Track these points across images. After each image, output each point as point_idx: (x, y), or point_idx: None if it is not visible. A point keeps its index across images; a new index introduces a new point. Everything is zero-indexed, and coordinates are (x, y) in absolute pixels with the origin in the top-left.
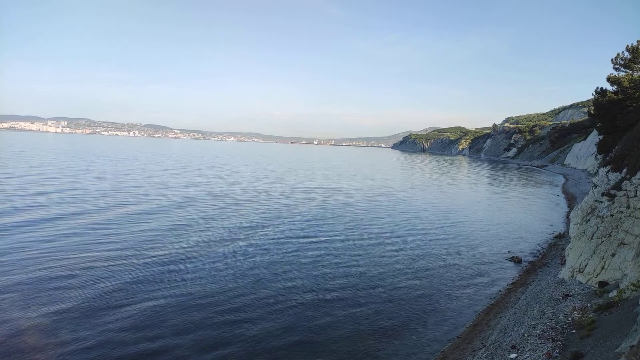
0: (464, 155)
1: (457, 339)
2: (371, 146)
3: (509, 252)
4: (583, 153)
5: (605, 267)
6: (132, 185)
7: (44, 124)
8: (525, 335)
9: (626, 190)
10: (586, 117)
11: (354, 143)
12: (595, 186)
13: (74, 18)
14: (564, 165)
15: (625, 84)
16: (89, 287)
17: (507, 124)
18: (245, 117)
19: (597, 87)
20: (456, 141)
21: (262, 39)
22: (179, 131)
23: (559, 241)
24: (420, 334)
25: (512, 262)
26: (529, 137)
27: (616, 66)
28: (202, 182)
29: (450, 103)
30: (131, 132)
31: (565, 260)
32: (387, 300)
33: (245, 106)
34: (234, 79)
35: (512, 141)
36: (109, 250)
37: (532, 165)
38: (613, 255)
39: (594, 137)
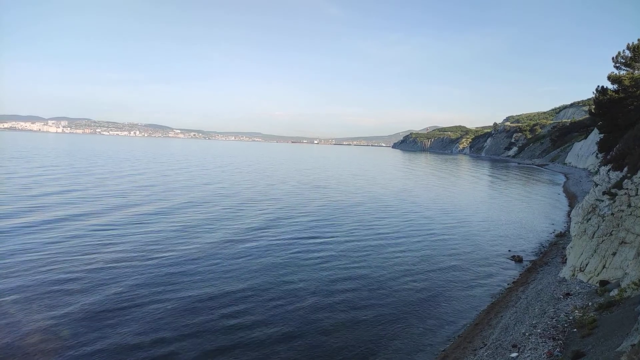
0: (464, 154)
1: (458, 338)
2: (372, 145)
3: (509, 251)
4: (584, 152)
5: (607, 266)
6: (134, 186)
7: (44, 124)
8: (527, 334)
9: (627, 189)
10: (587, 116)
11: (355, 142)
12: (596, 185)
13: (75, 18)
14: (564, 164)
15: (626, 82)
16: (91, 288)
17: (507, 123)
18: (245, 116)
19: (598, 86)
20: (457, 140)
21: (262, 39)
22: (179, 131)
23: (560, 240)
24: (421, 332)
25: (513, 261)
26: (529, 136)
27: (617, 65)
28: (204, 183)
29: (450, 102)
30: (132, 132)
31: (566, 259)
32: (388, 299)
33: (245, 106)
34: (234, 79)
35: (512, 140)
36: (111, 252)
37: (532, 164)
38: (614, 254)
39: (595, 135)
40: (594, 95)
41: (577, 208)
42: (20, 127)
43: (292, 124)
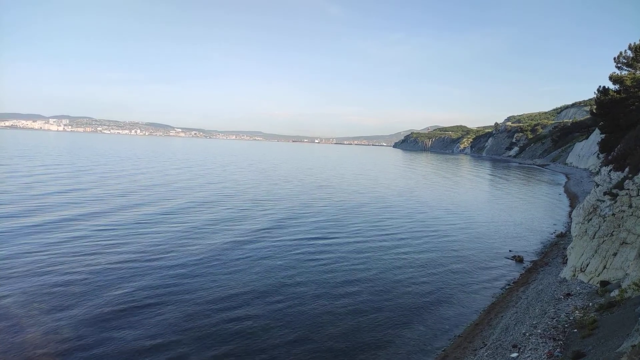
0: (465, 154)
1: (458, 338)
2: (373, 145)
3: (510, 251)
4: (585, 152)
5: (607, 266)
6: (137, 186)
7: (46, 122)
8: (527, 334)
9: (628, 189)
10: (588, 116)
11: (356, 142)
12: (597, 185)
13: (77, 18)
14: (565, 164)
15: (628, 82)
16: (93, 289)
17: (509, 123)
18: (246, 116)
19: (600, 86)
20: (458, 140)
21: (263, 39)
22: (180, 130)
23: (561, 240)
24: (421, 332)
25: (514, 261)
26: (530, 136)
27: (619, 65)
28: (206, 182)
29: (451, 102)
30: (133, 131)
31: (567, 260)
32: (389, 299)
33: (246, 105)
34: (235, 79)
35: (513, 140)
36: (114, 253)
37: (533, 164)
38: (615, 254)
39: (596, 136)
40: (595, 96)
41: (578, 208)
42: (21, 126)
43: (292, 123)
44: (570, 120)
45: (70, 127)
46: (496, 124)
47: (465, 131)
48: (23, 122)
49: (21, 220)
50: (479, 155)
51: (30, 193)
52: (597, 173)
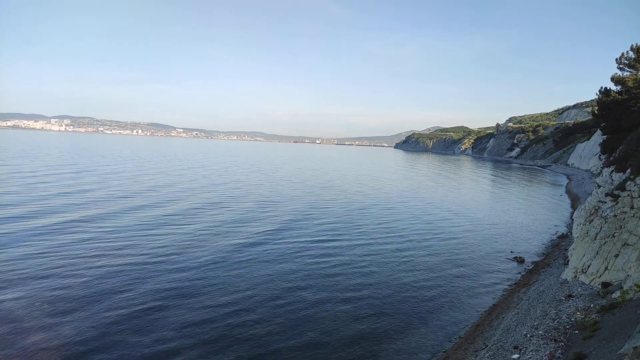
0: (466, 155)
1: (459, 339)
2: (374, 145)
3: (511, 252)
4: (587, 153)
5: (609, 267)
6: (139, 187)
7: (47, 122)
8: (528, 335)
9: (630, 190)
10: (590, 117)
11: (357, 142)
12: (599, 186)
13: (79, 18)
14: (567, 165)
15: (630, 83)
16: (97, 291)
17: (510, 124)
18: (247, 116)
19: (601, 87)
20: (459, 141)
21: (264, 40)
22: (181, 130)
23: (562, 242)
24: (422, 333)
25: (515, 263)
26: (532, 137)
27: (620, 66)
28: (209, 184)
29: (453, 103)
30: (134, 131)
31: (568, 261)
32: (390, 299)
33: (248, 106)
34: (236, 79)
35: (515, 141)
36: (118, 254)
37: (535, 165)
38: (616, 256)
39: (598, 137)
40: (597, 97)
41: (580, 209)
42: (23, 125)
43: (293, 123)
44: (572, 121)
45: (71, 127)
46: (497, 124)
47: (467, 132)
48: (25, 122)
49: (24, 221)
50: (480, 156)
51: (34, 194)
52: (599, 174)
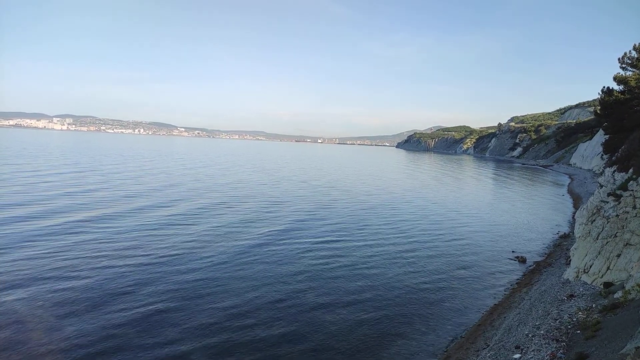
0: (468, 154)
1: (460, 339)
2: (376, 145)
3: (513, 252)
4: (589, 153)
5: (611, 267)
6: (144, 187)
7: (49, 121)
8: (530, 335)
9: (632, 190)
10: (592, 117)
11: (359, 142)
12: (601, 186)
13: (81, 18)
14: (569, 165)
15: (632, 83)
16: (100, 292)
17: (512, 124)
18: (249, 115)
19: (604, 87)
20: (461, 140)
21: (265, 39)
22: (183, 129)
23: (564, 241)
24: (423, 333)
25: (517, 262)
26: (534, 137)
27: (623, 65)
28: (213, 184)
29: (454, 103)
30: (136, 130)
31: (570, 261)
32: (391, 299)
33: (249, 105)
34: (238, 79)
35: (517, 140)
36: (121, 256)
37: (537, 164)
38: (619, 255)
39: (600, 136)
40: (599, 96)
41: (582, 209)
42: (25, 124)
43: (295, 123)
44: (574, 121)
45: (73, 126)
46: (499, 124)
47: (469, 131)
48: (27, 121)
49: (27, 221)
50: (482, 156)
51: (37, 194)
52: (601, 174)
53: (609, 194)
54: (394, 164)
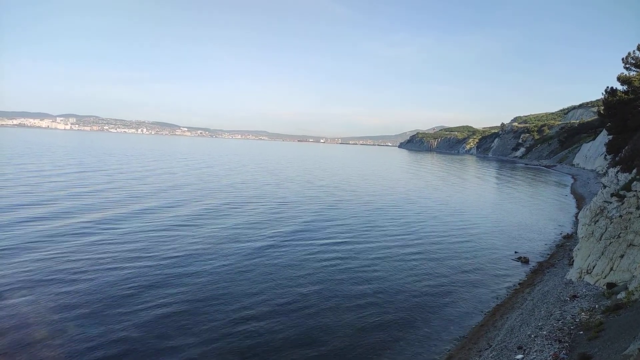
0: (471, 154)
1: (463, 339)
2: (378, 145)
3: (516, 252)
4: (592, 153)
5: (614, 268)
6: (147, 187)
7: (53, 121)
8: (532, 336)
9: (636, 191)
10: (595, 117)
11: (361, 142)
12: (605, 187)
13: (84, 18)
14: (572, 165)
15: (636, 83)
16: (103, 289)
17: (515, 124)
18: (251, 115)
19: (607, 87)
20: (464, 140)
21: (266, 40)
22: (186, 129)
23: (567, 242)
24: (426, 333)
25: (520, 263)
26: (537, 137)
27: (627, 65)
28: (217, 184)
29: (457, 103)
30: (139, 130)
31: (573, 261)
32: (394, 300)
33: (252, 105)
34: (240, 79)
35: (520, 141)
36: (124, 257)
37: (540, 165)
38: (622, 256)
39: (604, 137)
40: (603, 96)
41: (585, 210)
42: (29, 124)
43: (297, 122)
44: (578, 121)
45: (77, 125)
46: (502, 124)
47: (472, 131)
48: (31, 120)
49: (32, 222)
50: (485, 156)
51: (41, 194)
52: (605, 174)
53: (612, 195)
54: (397, 164)
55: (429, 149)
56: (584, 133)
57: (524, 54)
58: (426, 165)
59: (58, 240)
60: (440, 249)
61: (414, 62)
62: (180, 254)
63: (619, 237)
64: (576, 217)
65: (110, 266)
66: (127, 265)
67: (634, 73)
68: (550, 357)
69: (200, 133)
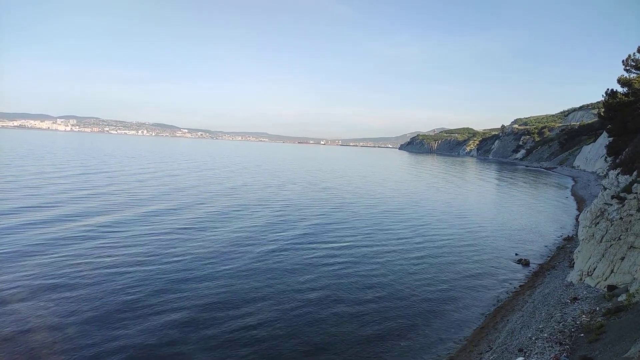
0: (472, 156)
1: (464, 342)
2: (379, 147)
3: (517, 254)
4: (592, 155)
5: (615, 270)
6: (149, 190)
7: (53, 122)
8: (533, 338)
9: (636, 193)
10: (596, 119)
11: (361, 143)
12: (605, 189)
13: (85, 18)
14: (573, 167)
15: (636, 85)
16: (102, 291)
17: (515, 126)
18: (252, 116)
19: (608, 89)
20: (464, 142)
21: (267, 40)
22: (186, 130)
23: (568, 244)
24: (427, 336)
25: (520, 265)
26: (537, 139)
27: (627, 67)
28: (215, 185)
29: (458, 104)
30: (139, 131)
31: (573, 264)
32: (394, 302)
33: (252, 107)
34: (240, 79)
35: (520, 143)
36: (124, 255)
37: (540, 167)
38: (622, 258)
39: (604, 139)
40: (603, 98)
41: (586, 212)
42: (29, 125)
43: (298, 124)
44: (578, 123)
45: (77, 127)
46: (503, 126)
47: (472, 133)
48: (31, 122)
49: (37, 225)
50: (486, 158)
51: (43, 196)
52: (605, 176)
53: (612, 197)
54: (398, 166)
55: (430, 151)
56: (584, 135)
57: (525, 55)
58: (427, 168)
59: (61, 244)
60: (440, 251)
61: (415, 63)
62: (184, 259)
63: (619, 239)
64: (577, 219)
65: (112, 271)
66: (129, 269)
67: (634, 75)
68: None
69: (201, 135)
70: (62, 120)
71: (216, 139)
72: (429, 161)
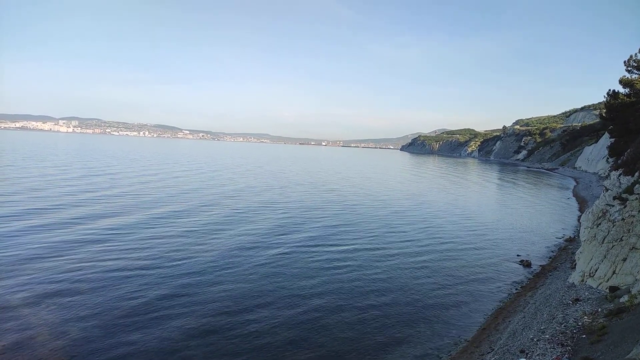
0: (473, 157)
1: (465, 343)
2: (380, 148)
3: (518, 255)
4: (594, 156)
5: (617, 271)
6: (154, 191)
7: (55, 124)
8: (535, 339)
9: (638, 194)
10: (597, 120)
11: (363, 144)
12: (607, 190)
13: (86, 19)
14: (574, 168)
15: (638, 86)
16: (104, 293)
17: (517, 126)
18: (253, 117)
19: (609, 89)
20: (465, 143)
21: (269, 41)
22: (188, 132)
23: (570, 245)
24: (428, 337)
25: (522, 266)
26: (539, 140)
27: (629, 68)
28: (218, 187)
29: (459, 105)
30: (141, 132)
31: (575, 265)
32: (395, 303)
33: (253, 108)
34: (242, 81)
35: (522, 144)
36: (126, 258)
37: (542, 168)
38: (624, 259)
39: (606, 140)
40: (605, 99)
41: (587, 213)
42: (31, 127)
43: (299, 125)
44: (580, 124)
45: (79, 128)
46: (504, 127)
47: (473, 134)
48: (33, 123)
49: (38, 228)
50: (487, 159)
51: (45, 198)
52: (607, 177)
53: (614, 198)
54: (400, 168)
55: (431, 152)
56: (586, 136)
57: (526, 56)
58: (428, 169)
59: (64, 247)
60: (442, 251)
61: (416, 64)
62: (187, 262)
63: (621, 240)
64: (579, 220)
65: (116, 274)
66: (133, 273)
67: (636, 76)
68: None
69: (202, 136)
70: (64, 121)
71: (218, 140)
72: (430, 162)
